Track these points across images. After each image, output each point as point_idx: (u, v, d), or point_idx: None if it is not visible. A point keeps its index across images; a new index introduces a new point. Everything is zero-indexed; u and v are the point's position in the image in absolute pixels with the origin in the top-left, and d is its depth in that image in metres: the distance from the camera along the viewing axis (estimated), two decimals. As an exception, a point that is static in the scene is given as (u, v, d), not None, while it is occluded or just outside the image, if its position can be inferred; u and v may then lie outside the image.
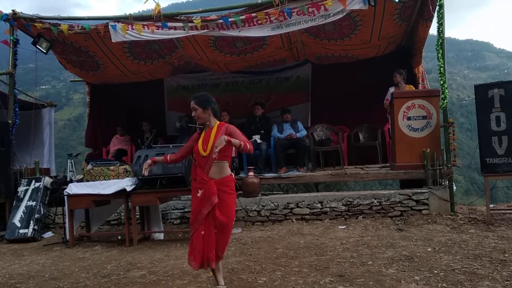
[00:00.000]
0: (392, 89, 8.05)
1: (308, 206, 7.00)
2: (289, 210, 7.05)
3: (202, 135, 3.88)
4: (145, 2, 7.40)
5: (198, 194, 3.81)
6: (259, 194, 7.41)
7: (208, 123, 3.88)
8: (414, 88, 8.29)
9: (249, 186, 7.28)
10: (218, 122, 3.90)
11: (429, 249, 4.82)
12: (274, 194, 8.07)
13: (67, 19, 8.11)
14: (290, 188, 11.06)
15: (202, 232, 3.75)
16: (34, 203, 7.56)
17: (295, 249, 5.24)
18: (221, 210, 3.75)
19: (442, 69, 6.99)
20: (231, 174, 3.93)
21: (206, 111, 3.84)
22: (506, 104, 5.99)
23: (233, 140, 3.69)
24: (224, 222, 3.77)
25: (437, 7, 6.97)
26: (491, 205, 6.70)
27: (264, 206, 7.11)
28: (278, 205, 7.08)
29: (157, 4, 7.39)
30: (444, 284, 3.67)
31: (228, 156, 3.89)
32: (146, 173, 4.09)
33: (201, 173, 3.80)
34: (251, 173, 7.39)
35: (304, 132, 8.58)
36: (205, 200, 3.76)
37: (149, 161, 4.15)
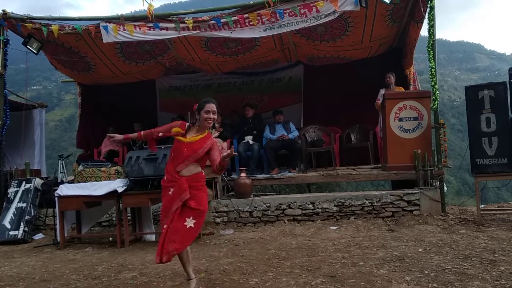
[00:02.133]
0: (383, 91, 8.09)
1: (300, 207, 7.00)
2: (281, 211, 7.05)
3: (192, 134, 3.87)
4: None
5: (170, 192, 3.82)
6: (251, 195, 7.40)
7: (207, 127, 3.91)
8: (403, 90, 8.33)
9: (241, 187, 7.27)
10: (207, 132, 3.93)
11: (420, 250, 4.84)
12: (266, 195, 8.08)
13: (58, 19, 8.07)
14: (282, 189, 11.08)
15: (165, 226, 3.76)
16: (24, 205, 7.49)
17: (287, 250, 5.24)
18: (196, 201, 3.79)
19: (433, 70, 7.03)
20: (202, 172, 3.95)
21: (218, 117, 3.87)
22: (496, 105, 6.03)
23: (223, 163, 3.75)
24: (199, 209, 3.80)
25: (428, 9, 7.01)
26: (482, 206, 6.75)
27: (256, 207, 7.11)
28: (270, 206, 7.08)
29: (150, 4, 7.37)
30: (435, 284, 3.68)
31: (202, 165, 3.94)
32: (112, 137, 4.30)
33: (173, 171, 3.84)
34: (243, 174, 7.38)
35: (296, 133, 8.59)
36: (176, 196, 3.78)
37: (120, 137, 4.27)
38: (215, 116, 3.86)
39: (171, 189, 3.82)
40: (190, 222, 3.76)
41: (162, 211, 3.88)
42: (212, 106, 3.81)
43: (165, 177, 3.95)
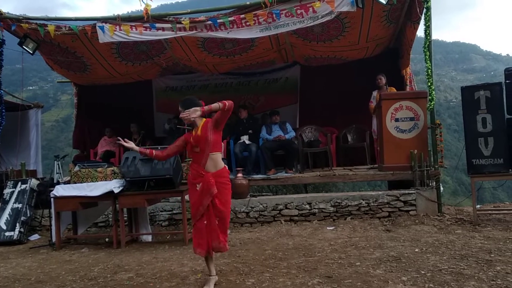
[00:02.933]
0: (375, 93, 8.11)
1: (297, 208, 7.00)
2: (278, 212, 7.05)
3: (193, 133, 4.07)
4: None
5: (197, 187, 4.02)
6: (248, 196, 7.40)
7: (196, 122, 4.06)
8: (395, 90, 8.33)
9: (238, 187, 7.26)
10: (204, 120, 4.09)
11: (417, 250, 4.84)
12: (263, 195, 8.08)
13: (54, 19, 8.03)
14: (279, 190, 11.08)
15: (205, 222, 3.99)
16: (20, 206, 7.47)
17: (283, 250, 5.24)
18: (220, 200, 4.00)
19: (429, 71, 7.05)
20: (225, 166, 4.16)
21: None
22: (492, 106, 6.05)
23: (212, 105, 3.89)
24: (224, 211, 4.03)
25: (425, 10, 7.02)
26: (478, 206, 6.76)
27: (253, 208, 7.11)
28: (267, 206, 7.08)
29: (147, 4, 7.35)
30: (431, 285, 3.69)
31: (219, 147, 4.10)
32: (123, 143, 4.36)
33: (198, 168, 4.03)
34: (239, 175, 7.37)
35: (292, 134, 8.60)
36: (204, 192, 3.97)
37: (136, 148, 4.35)
38: (184, 114, 4.00)
39: (198, 185, 4.01)
40: (217, 221, 4.01)
41: (193, 206, 4.09)
42: (179, 109, 4.10)
43: (190, 174, 4.14)
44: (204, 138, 3.96)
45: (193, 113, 3.96)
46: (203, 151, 3.98)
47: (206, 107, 3.94)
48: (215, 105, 3.88)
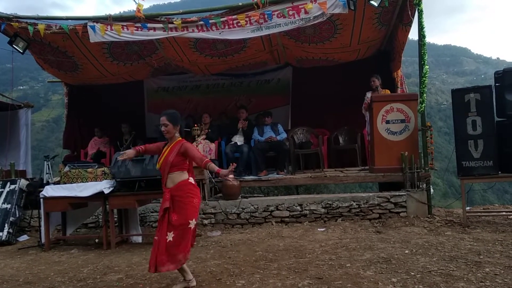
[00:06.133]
0: (369, 94, 8.13)
1: (288, 209, 7.00)
2: (269, 213, 7.05)
3: (165, 148, 4.16)
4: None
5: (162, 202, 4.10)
6: (239, 197, 7.39)
7: (173, 138, 4.14)
8: (390, 93, 8.37)
9: (229, 188, 7.25)
10: (178, 139, 4.14)
11: (407, 251, 4.86)
12: (254, 196, 8.06)
13: (45, 18, 7.98)
14: (270, 191, 11.07)
15: (156, 238, 4.01)
16: (9, 206, 7.40)
17: (274, 251, 5.24)
18: (176, 213, 3.97)
19: (426, 75, 7.02)
20: (187, 179, 4.12)
21: (176, 128, 4.12)
22: (482, 109, 6.08)
23: (210, 166, 4.01)
24: (179, 223, 3.94)
25: (417, 13, 7.04)
26: (468, 208, 6.80)
27: (244, 209, 7.10)
28: (258, 207, 7.07)
29: (139, 4, 7.31)
30: (421, 286, 3.71)
31: (183, 167, 4.10)
32: (120, 158, 4.50)
33: (163, 184, 4.12)
34: (231, 176, 7.34)
35: (284, 135, 8.60)
36: (161, 207, 4.07)
37: (131, 154, 4.40)
38: (167, 128, 4.08)
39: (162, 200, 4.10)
40: (169, 236, 3.93)
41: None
42: (162, 119, 4.09)
43: None
44: (167, 157, 4.05)
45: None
46: (163, 168, 4.07)
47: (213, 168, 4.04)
48: (212, 167, 4.01)
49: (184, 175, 4.10)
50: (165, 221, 3.97)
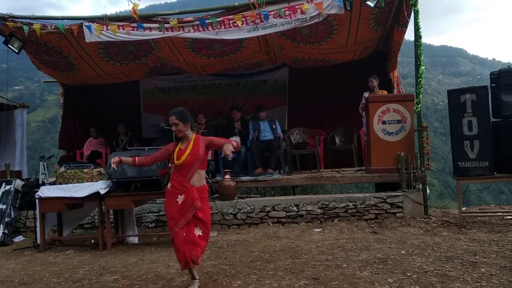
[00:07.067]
0: (366, 94, 8.14)
1: (284, 209, 7.00)
2: (266, 213, 7.04)
3: (179, 146, 4.09)
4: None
5: (178, 199, 3.99)
6: (236, 197, 7.38)
7: (186, 136, 4.09)
8: (387, 93, 8.39)
9: (225, 189, 7.24)
10: (194, 135, 4.14)
11: (403, 252, 4.86)
12: (250, 197, 8.04)
13: (40, 18, 7.94)
14: (267, 191, 11.06)
15: (184, 234, 3.94)
16: (4, 207, 7.36)
17: (270, 252, 5.23)
18: (201, 211, 4.00)
19: (422, 75, 7.05)
20: (205, 184, 4.21)
21: (186, 126, 4.05)
22: (478, 109, 6.09)
23: (234, 143, 4.08)
24: (206, 221, 4.05)
25: (413, 14, 7.05)
26: (464, 208, 6.81)
27: (240, 209, 7.09)
28: (254, 208, 7.06)
29: (135, 4, 7.28)
30: (417, 286, 3.71)
31: (205, 165, 4.18)
32: (114, 166, 4.30)
33: (183, 180, 4.01)
34: (227, 176, 7.35)
35: (279, 131, 8.62)
36: (187, 205, 3.96)
37: (116, 158, 4.31)
38: (177, 127, 4.03)
39: (179, 197, 4.00)
40: (198, 231, 3.99)
41: (172, 218, 4.03)
42: (172, 119, 4.03)
43: (169, 185, 4.12)
44: (195, 153, 4.00)
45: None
46: (192, 166, 4.00)
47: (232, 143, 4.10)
48: (234, 144, 4.09)
49: (204, 179, 4.19)
50: (190, 218, 3.97)
